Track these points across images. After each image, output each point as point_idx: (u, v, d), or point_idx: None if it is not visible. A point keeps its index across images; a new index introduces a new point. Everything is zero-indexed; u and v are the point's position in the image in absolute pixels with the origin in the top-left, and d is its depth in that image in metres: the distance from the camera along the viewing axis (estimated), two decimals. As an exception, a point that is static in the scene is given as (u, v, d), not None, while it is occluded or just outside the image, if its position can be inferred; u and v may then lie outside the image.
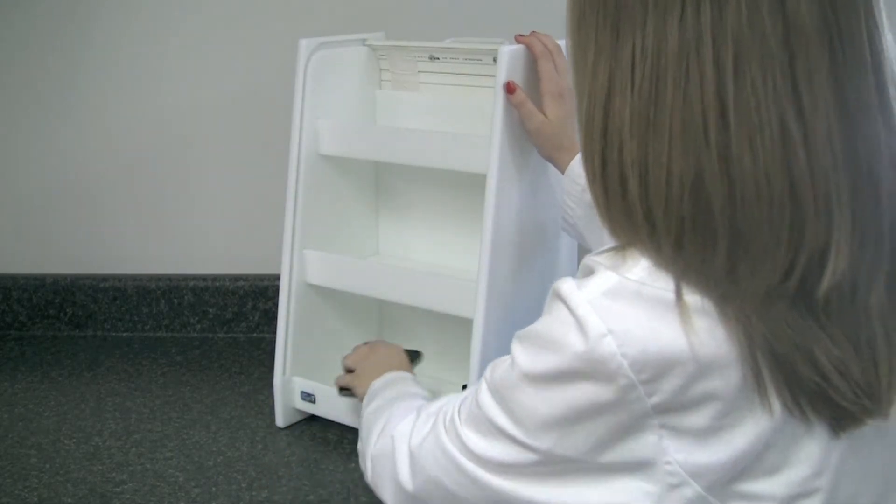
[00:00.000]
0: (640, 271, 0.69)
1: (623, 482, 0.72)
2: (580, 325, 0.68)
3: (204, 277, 1.69)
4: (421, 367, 1.42)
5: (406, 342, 1.44)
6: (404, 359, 1.21)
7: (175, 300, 1.69)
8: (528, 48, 1.14)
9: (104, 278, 1.70)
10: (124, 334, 1.72)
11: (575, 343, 0.68)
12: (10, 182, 1.73)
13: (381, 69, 1.36)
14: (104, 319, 1.71)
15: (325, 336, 1.38)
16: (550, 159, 1.14)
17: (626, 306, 0.68)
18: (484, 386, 0.78)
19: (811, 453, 0.70)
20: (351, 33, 1.36)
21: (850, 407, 0.68)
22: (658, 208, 0.68)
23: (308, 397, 1.33)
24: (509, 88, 1.10)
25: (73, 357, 1.63)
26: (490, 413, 0.76)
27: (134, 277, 1.70)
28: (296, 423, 1.36)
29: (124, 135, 1.68)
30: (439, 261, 1.36)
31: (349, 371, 1.22)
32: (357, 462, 1.25)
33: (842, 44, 0.66)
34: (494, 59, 1.14)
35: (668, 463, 0.70)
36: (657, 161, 0.67)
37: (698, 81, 0.65)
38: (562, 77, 1.11)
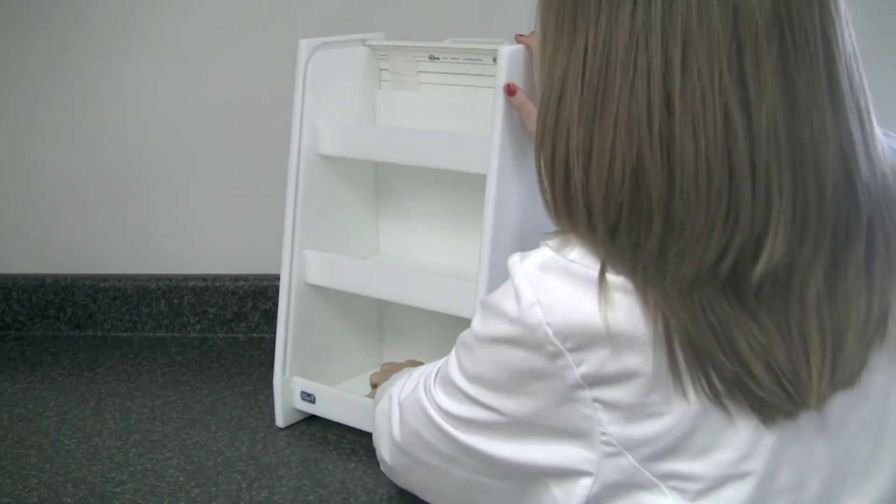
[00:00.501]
0: (576, 252, 0.72)
1: (568, 446, 0.76)
2: (516, 294, 0.74)
3: (204, 277, 1.69)
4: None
5: (406, 342, 1.44)
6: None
7: (175, 300, 1.69)
8: (529, 48, 1.14)
9: (104, 278, 1.71)
10: (124, 334, 1.72)
11: (510, 310, 0.74)
12: (10, 182, 1.73)
13: (381, 69, 1.35)
14: (104, 319, 1.71)
15: (325, 336, 1.38)
16: None
17: (555, 280, 0.72)
18: (453, 350, 0.83)
19: (740, 438, 0.72)
20: (351, 33, 1.36)
21: (769, 397, 0.70)
22: (597, 195, 0.70)
23: (308, 397, 1.33)
24: (510, 90, 1.11)
25: (72, 357, 1.63)
26: (453, 374, 0.81)
27: (134, 277, 1.70)
28: (295, 424, 1.36)
29: (124, 135, 1.68)
30: (439, 261, 1.35)
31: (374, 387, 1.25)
32: (357, 462, 1.25)
33: (793, 36, 0.66)
34: (494, 59, 1.14)
35: (604, 434, 0.73)
36: (601, 148, 0.69)
37: (646, 72, 0.67)
38: None
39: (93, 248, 1.73)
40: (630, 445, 0.73)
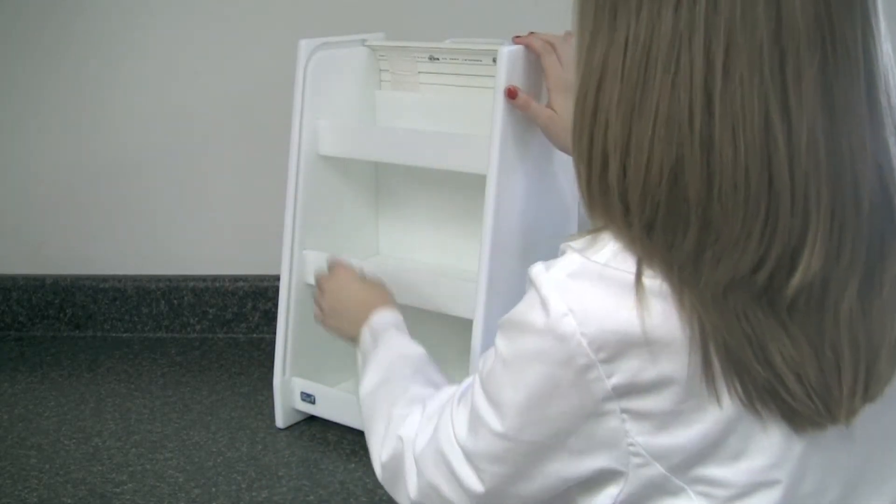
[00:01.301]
0: (606, 254, 0.70)
1: (592, 460, 0.73)
2: (544, 305, 0.70)
3: (204, 278, 1.69)
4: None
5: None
6: (362, 282, 1.18)
7: (175, 301, 1.69)
8: (528, 48, 1.14)
9: (104, 279, 1.70)
10: (124, 335, 1.71)
11: (538, 321, 0.71)
12: (10, 182, 1.73)
13: (380, 70, 1.35)
14: (104, 320, 1.71)
15: (324, 337, 1.37)
16: (565, 150, 1.14)
17: (587, 287, 0.69)
18: (476, 378, 0.80)
19: (771, 444, 0.71)
20: (351, 34, 1.36)
21: (802, 410, 0.69)
22: (634, 191, 0.69)
23: (308, 398, 1.33)
24: (510, 94, 1.11)
25: (72, 358, 1.63)
26: (478, 404, 0.78)
27: (134, 278, 1.70)
28: (295, 424, 1.36)
29: (124, 135, 1.68)
30: (439, 261, 1.35)
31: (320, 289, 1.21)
32: (357, 462, 1.25)
33: (834, 47, 0.66)
34: (494, 60, 1.14)
35: (632, 445, 0.71)
36: (639, 144, 0.68)
37: (688, 71, 0.66)
38: (567, 70, 1.11)
39: (93, 249, 1.73)
40: (659, 455, 0.71)
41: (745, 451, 0.71)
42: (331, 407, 1.32)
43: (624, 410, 0.70)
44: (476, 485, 0.79)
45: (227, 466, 1.26)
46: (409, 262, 1.39)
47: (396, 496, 0.93)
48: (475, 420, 0.78)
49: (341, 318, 1.17)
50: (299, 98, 1.29)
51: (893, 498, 0.78)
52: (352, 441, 1.31)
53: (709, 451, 0.71)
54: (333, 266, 1.21)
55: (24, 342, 1.70)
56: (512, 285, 1.19)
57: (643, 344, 0.68)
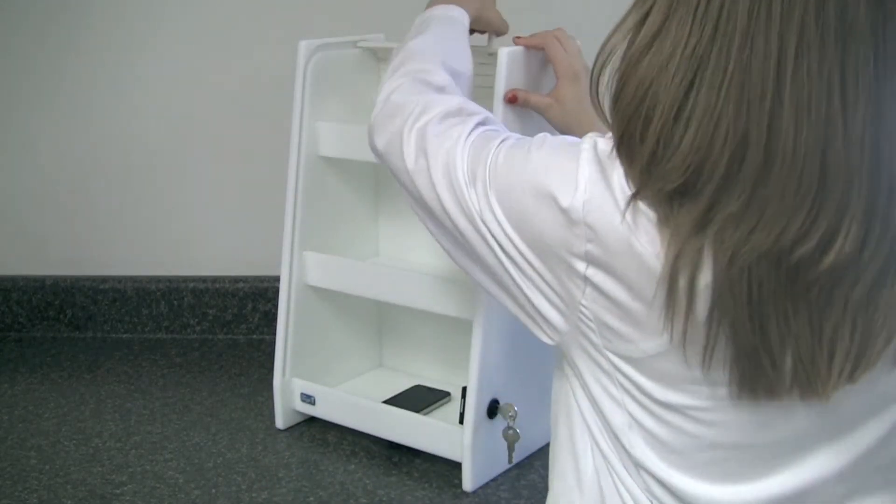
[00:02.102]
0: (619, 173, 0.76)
1: (546, 302, 0.81)
2: (578, 160, 0.78)
3: (204, 279, 1.69)
4: (421, 368, 1.42)
5: (406, 344, 1.44)
6: None
7: (175, 302, 1.69)
8: (531, 46, 1.15)
9: (104, 280, 1.71)
10: (124, 336, 1.72)
11: (572, 153, 0.79)
12: (10, 183, 1.73)
13: (380, 70, 1.35)
14: (104, 321, 1.71)
15: (324, 338, 1.38)
16: (566, 132, 1.16)
17: (608, 168, 0.76)
18: (494, 144, 0.85)
19: (702, 392, 0.76)
20: (350, 35, 1.36)
21: (775, 380, 0.73)
22: (677, 154, 0.71)
23: (308, 399, 1.33)
24: (510, 99, 1.14)
25: (72, 359, 1.63)
26: (488, 157, 0.84)
27: (134, 279, 1.70)
28: (295, 425, 1.36)
29: (124, 136, 1.68)
30: (439, 263, 1.35)
31: None
32: (356, 464, 1.25)
33: (885, 49, 0.70)
34: (494, 60, 1.14)
35: (583, 307, 0.78)
36: (706, 109, 0.70)
37: (762, 54, 0.69)
38: (574, 58, 1.13)
39: (93, 250, 1.73)
40: (602, 330, 0.78)
41: (672, 381, 0.76)
42: (331, 408, 1.32)
43: (586, 280, 0.77)
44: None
45: (227, 467, 1.26)
46: (408, 264, 1.39)
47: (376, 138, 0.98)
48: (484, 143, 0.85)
49: None
50: (299, 99, 1.29)
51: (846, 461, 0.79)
52: (351, 442, 1.31)
53: (643, 363, 0.77)
54: None
55: (24, 343, 1.70)
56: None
57: (624, 235, 0.74)
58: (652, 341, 0.75)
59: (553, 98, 1.14)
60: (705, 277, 0.71)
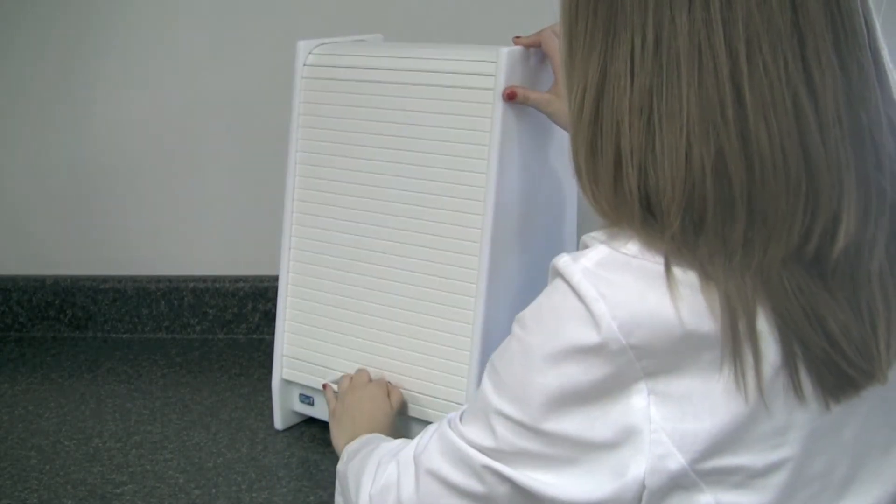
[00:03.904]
0: (632, 247, 0.72)
1: (610, 458, 0.72)
2: (575, 292, 0.71)
3: (204, 279, 1.69)
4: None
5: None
6: (386, 408, 1.17)
7: (175, 301, 1.69)
8: (529, 44, 1.15)
9: (104, 279, 1.71)
10: (124, 336, 1.72)
11: (568, 308, 0.72)
12: (10, 183, 1.73)
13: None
14: (104, 321, 1.72)
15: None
16: (566, 128, 1.15)
17: (617, 275, 0.71)
18: (485, 378, 0.80)
19: (798, 425, 0.72)
20: (349, 35, 1.36)
21: (853, 372, 0.71)
22: (669, 192, 0.70)
23: (307, 399, 1.33)
24: (509, 96, 1.13)
25: (73, 358, 1.63)
26: (492, 400, 0.77)
27: (134, 279, 1.70)
28: (296, 425, 1.36)
29: (124, 136, 1.68)
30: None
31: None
32: (357, 463, 1.25)
33: (843, 23, 0.70)
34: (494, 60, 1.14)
35: (655, 431, 0.71)
36: (672, 146, 0.70)
37: (712, 67, 0.68)
38: None
39: (93, 250, 1.73)
40: (682, 442, 0.71)
41: (771, 435, 0.72)
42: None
43: (651, 392, 0.71)
44: (486, 461, 0.77)
45: (228, 467, 1.26)
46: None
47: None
48: (487, 416, 0.77)
49: (338, 422, 1.17)
50: (298, 98, 1.29)
51: (894, 477, 0.79)
52: (352, 442, 1.31)
53: (733, 437, 0.72)
54: (375, 379, 1.22)
55: (24, 343, 1.70)
56: (511, 278, 1.19)
57: (676, 327, 0.69)
58: (727, 412, 0.71)
59: (552, 93, 1.14)
60: (756, 305, 0.70)
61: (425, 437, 0.86)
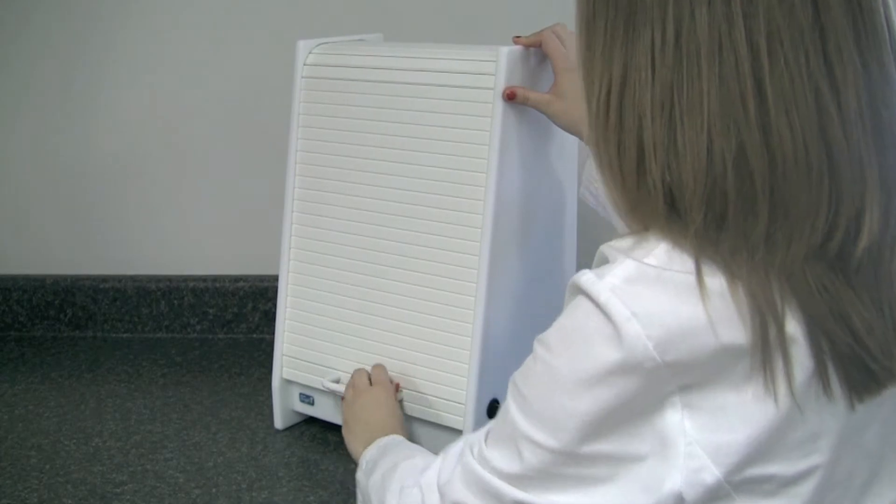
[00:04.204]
0: (660, 256, 0.71)
1: (645, 473, 0.71)
2: (604, 311, 0.69)
3: (204, 278, 1.69)
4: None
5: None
6: (393, 408, 1.17)
7: (175, 301, 1.69)
8: (529, 44, 1.15)
9: (104, 279, 1.71)
10: (124, 335, 1.72)
11: (599, 329, 0.69)
12: (10, 182, 1.73)
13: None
14: (104, 320, 1.72)
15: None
16: (569, 130, 1.16)
17: (647, 290, 0.69)
18: (509, 401, 0.77)
19: (827, 430, 0.72)
20: (349, 34, 1.36)
21: (877, 369, 0.70)
22: (691, 188, 0.69)
23: (307, 399, 1.33)
24: (509, 96, 1.13)
25: (72, 358, 1.63)
26: (520, 426, 0.74)
27: (134, 278, 1.70)
28: (296, 424, 1.36)
29: (124, 135, 1.68)
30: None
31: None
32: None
33: (863, 19, 0.70)
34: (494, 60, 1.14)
35: (689, 444, 0.70)
36: (692, 141, 0.69)
37: (733, 62, 0.68)
38: (572, 52, 1.12)
39: (93, 249, 1.73)
40: (717, 454, 0.70)
41: (804, 441, 0.71)
42: (330, 409, 1.32)
43: (685, 406, 0.70)
44: (515, 493, 0.75)
45: (228, 467, 1.26)
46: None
47: None
48: (514, 440, 0.75)
49: (350, 429, 1.16)
50: (298, 98, 1.29)
51: None
52: (352, 441, 1.31)
53: (768, 446, 0.71)
54: (378, 382, 1.21)
55: (24, 342, 1.70)
56: (511, 278, 1.19)
57: (709, 342, 0.68)
58: (760, 420, 0.70)
59: (553, 94, 1.14)
60: (784, 306, 0.69)
61: (448, 464, 0.83)
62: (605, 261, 0.73)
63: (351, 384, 1.23)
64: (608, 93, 0.73)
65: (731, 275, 0.69)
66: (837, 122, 0.68)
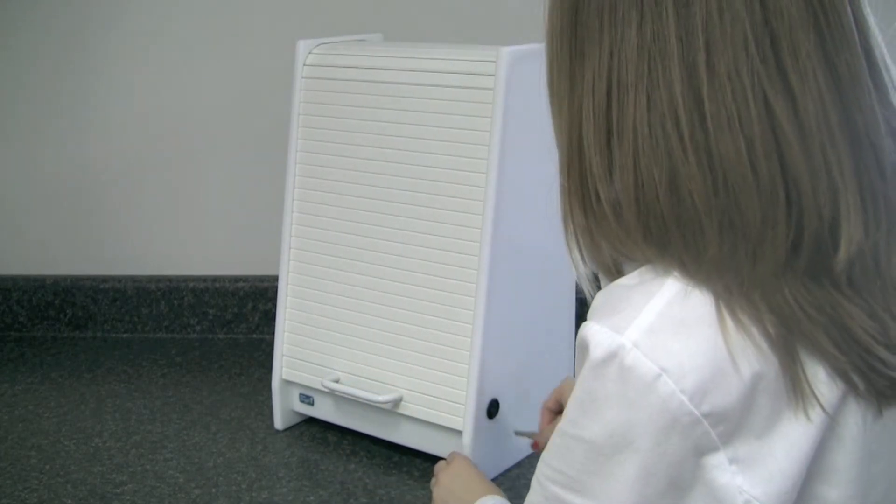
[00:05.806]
0: (672, 291, 0.67)
1: None
2: (632, 371, 0.65)
3: (204, 278, 1.69)
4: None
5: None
6: (472, 473, 1.11)
7: (175, 301, 1.69)
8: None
9: (104, 279, 1.71)
10: (124, 335, 1.72)
11: (628, 392, 0.65)
12: (10, 182, 1.73)
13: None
14: (104, 320, 1.72)
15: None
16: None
17: (673, 338, 0.65)
18: (546, 484, 0.71)
19: (860, 451, 0.69)
20: (349, 34, 1.36)
21: (895, 375, 0.67)
22: (629, 213, 0.67)
23: (307, 399, 1.33)
24: (535, 446, 1.14)
25: (72, 358, 1.63)
26: (569, 501, 0.69)
27: (134, 278, 1.70)
28: (296, 425, 1.36)
29: (124, 136, 1.68)
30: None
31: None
32: (357, 463, 1.25)
33: (827, 19, 0.66)
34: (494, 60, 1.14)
35: (748, 502, 0.66)
36: (623, 167, 0.67)
37: (662, 81, 0.65)
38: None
39: (93, 250, 1.73)
40: (779, 501, 0.66)
41: (839, 468, 0.69)
42: (329, 409, 1.32)
43: (732, 461, 0.65)
44: None
45: (228, 467, 1.26)
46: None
47: None
48: None
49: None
50: (298, 98, 1.29)
51: None
52: (351, 442, 1.31)
53: (812, 472, 0.68)
54: (452, 457, 1.16)
55: (24, 342, 1.70)
56: (511, 278, 1.19)
57: (738, 381, 0.65)
58: (803, 446, 0.67)
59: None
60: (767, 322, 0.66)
61: None
62: (612, 308, 0.68)
63: (435, 480, 1.15)
64: (570, 136, 0.71)
65: (726, 301, 0.66)
66: (792, 131, 0.64)
